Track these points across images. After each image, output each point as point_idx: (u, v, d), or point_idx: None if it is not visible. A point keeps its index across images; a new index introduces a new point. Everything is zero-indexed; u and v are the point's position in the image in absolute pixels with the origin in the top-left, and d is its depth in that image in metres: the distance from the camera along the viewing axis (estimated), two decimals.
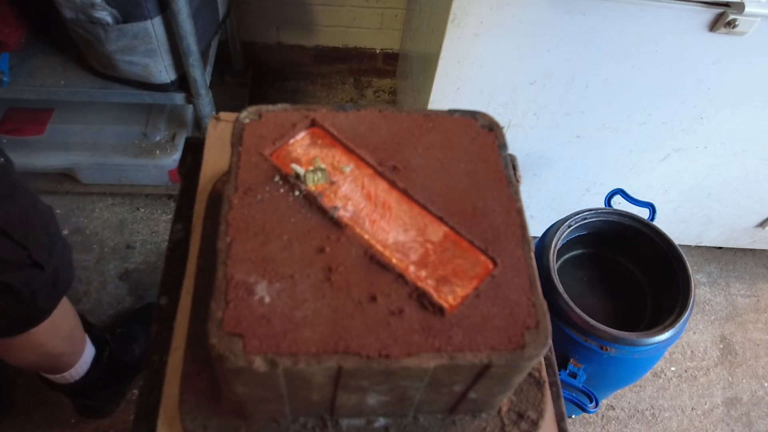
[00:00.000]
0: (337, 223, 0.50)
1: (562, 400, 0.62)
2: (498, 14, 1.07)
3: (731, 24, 1.05)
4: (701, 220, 1.70)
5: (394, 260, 0.49)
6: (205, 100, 1.45)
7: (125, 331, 1.42)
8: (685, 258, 1.17)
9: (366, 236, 0.50)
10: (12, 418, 1.37)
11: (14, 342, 1.00)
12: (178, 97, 1.44)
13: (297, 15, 1.93)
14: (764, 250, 1.94)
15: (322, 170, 0.53)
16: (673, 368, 1.69)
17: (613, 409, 1.60)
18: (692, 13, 1.06)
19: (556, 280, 1.12)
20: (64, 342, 1.12)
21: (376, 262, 0.48)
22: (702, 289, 1.86)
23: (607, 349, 1.08)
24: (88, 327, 1.24)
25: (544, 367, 0.60)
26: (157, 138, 1.62)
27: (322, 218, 0.50)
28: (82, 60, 1.41)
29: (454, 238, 0.51)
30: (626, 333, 1.07)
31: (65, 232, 1.66)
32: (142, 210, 1.74)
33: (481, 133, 0.58)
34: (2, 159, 0.85)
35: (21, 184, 0.89)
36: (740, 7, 1.02)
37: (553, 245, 1.17)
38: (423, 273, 0.49)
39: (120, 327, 1.44)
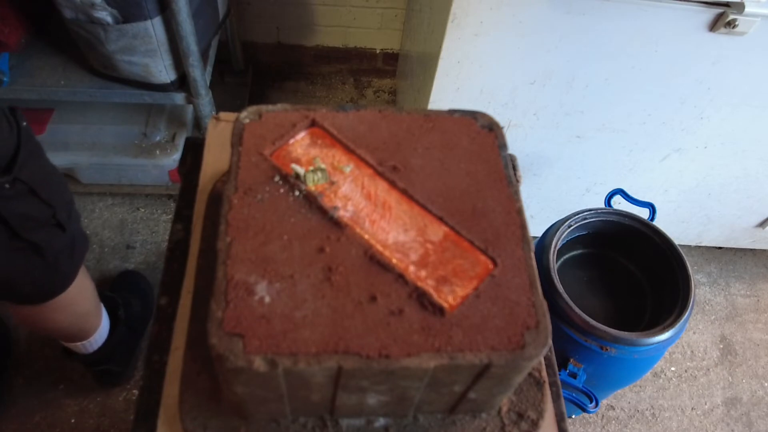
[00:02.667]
0: (337, 223, 0.50)
1: (562, 400, 0.62)
2: (498, 14, 1.08)
3: (731, 24, 1.05)
4: (701, 220, 1.70)
5: (394, 260, 0.49)
6: (205, 100, 1.45)
7: (116, 295, 1.44)
8: (685, 258, 1.17)
9: (366, 236, 0.50)
10: (12, 418, 1.37)
11: (49, 305, 1.02)
12: (178, 97, 1.44)
13: (297, 15, 1.93)
14: (764, 250, 1.94)
15: (322, 170, 0.53)
16: (673, 368, 1.69)
17: (613, 409, 1.60)
18: (692, 13, 1.06)
19: (556, 280, 1.12)
20: (89, 300, 1.16)
21: (376, 262, 0.48)
22: (702, 289, 1.86)
23: (607, 349, 1.08)
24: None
25: (544, 367, 0.60)
26: (157, 138, 1.62)
27: (322, 218, 0.50)
28: (82, 60, 1.41)
29: (454, 238, 0.51)
30: (626, 333, 1.07)
31: None
32: (142, 210, 1.74)
33: (481, 133, 0.58)
34: (24, 123, 0.88)
35: (41, 147, 0.92)
36: (740, 7, 1.02)
37: (553, 245, 1.17)
38: (423, 273, 0.49)
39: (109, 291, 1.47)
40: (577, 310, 1.08)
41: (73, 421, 1.39)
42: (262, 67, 2.09)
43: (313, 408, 0.52)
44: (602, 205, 1.30)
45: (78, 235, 1.02)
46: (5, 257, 0.89)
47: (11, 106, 0.86)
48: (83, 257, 1.04)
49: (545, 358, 0.63)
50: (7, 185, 0.83)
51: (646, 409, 1.61)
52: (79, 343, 1.23)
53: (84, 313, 1.16)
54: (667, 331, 1.08)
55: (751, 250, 1.94)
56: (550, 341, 0.46)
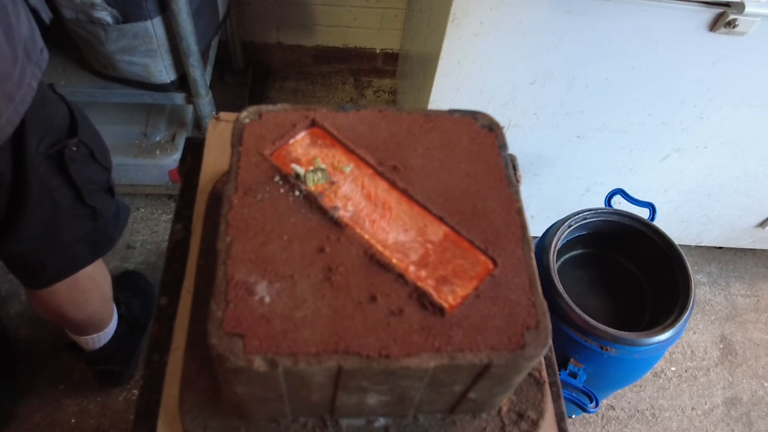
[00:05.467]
0: (337, 223, 0.50)
1: (562, 400, 0.62)
2: (498, 14, 1.08)
3: (731, 24, 1.05)
4: (701, 220, 1.70)
5: (394, 260, 0.49)
6: (205, 100, 1.45)
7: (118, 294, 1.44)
8: (685, 258, 1.17)
9: (366, 236, 0.50)
10: (13, 418, 1.37)
11: (80, 284, 1.04)
12: (178, 97, 1.44)
13: (297, 15, 1.93)
14: (764, 250, 1.94)
15: (322, 170, 0.53)
16: (673, 368, 1.69)
17: (613, 409, 1.60)
18: (692, 13, 1.06)
19: (556, 280, 1.12)
20: (110, 287, 1.18)
21: (376, 262, 0.48)
22: (702, 289, 1.86)
23: (607, 349, 1.08)
24: None
25: (544, 367, 0.60)
26: (157, 138, 1.62)
27: (322, 218, 0.50)
28: (82, 60, 1.41)
29: (454, 238, 0.51)
30: (626, 333, 1.07)
31: None
32: (142, 210, 1.74)
33: (481, 133, 0.58)
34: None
35: (85, 113, 0.94)
36: (740, 7, 1.02)
37: (553, 245, 1.17)
38: (423, 273, 0.49)
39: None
40: (577, 310, 1.08)
41: (73, 421, 1.39)
42: (262, 67, 2.09)
43: (313, 408, 0.52)
44: (602, 205, 1.29)
45: (120, 200, 1.04)
46: (68, 224, 0.91)
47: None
48: (126, 222, 1.07)
49: (545, 358, 0.63)
50: (74, 147, 0.85)
51: (646, 409, 1.61)
52: (91, 336, 1.23)
53: (107, 299, 1.18)
54: (667, 331, 1.08)
55: (751, 250, 1.94)
56: (550, 341, 0.46)
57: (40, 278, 1.00)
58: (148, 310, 1.51)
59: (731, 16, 1.04)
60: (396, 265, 0.48)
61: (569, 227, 1.21)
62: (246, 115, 0.56)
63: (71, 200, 0.89)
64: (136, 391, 1.43)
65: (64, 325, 1.19)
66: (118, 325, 1.31)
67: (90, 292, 1.10)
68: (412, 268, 0.49)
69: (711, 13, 1.06)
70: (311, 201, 0.51)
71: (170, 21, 1.24)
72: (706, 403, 1.63)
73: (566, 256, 1.34)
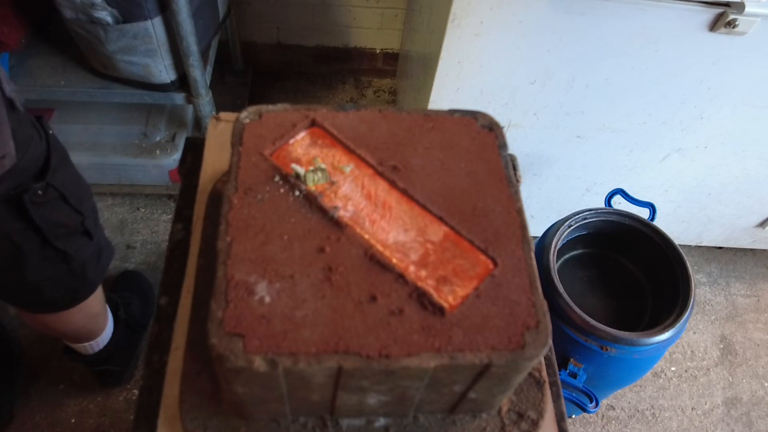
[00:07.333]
0: (337, 223, 0.50)
1: (562, 400, 0.62)
2: (498, 14, 1.08)
3: (731, 24, 1.05)
4: (701, 220, 1.70)
5: (394, 260, 0.49)
6: (205, 100, 1.45)
7: (116, 296, 1.44)
8: (685, 258, 1.17)
9: (366, 236, 0.50)
10: (13, 418, 1.37)
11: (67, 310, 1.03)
12: (178, 97, 1.44)
13: (297, 15, 1.93)
14: (764, 250, 1.94)
15: (322, 170, 0.53)
16: (673, 368, 1.69)
17: (613, 409, 1.60)
18: (692, 13, 1.06)
19: (556, 280, 1.12)
20: (100, 301, 1.17)
21: (376, 262, 0.48)
22: (702, 289, 1.86)
23: (607, 349, 1.08)
24: None
25: (544, 367, 0.60)
26: (157, 138, 1.62)
27: (322, 218, 0.50)
28: (82, 60, 1.41)
29: (454, 238, 0.51)
30: (626, 333, 1.07)
31: None
32: (142, 210, 1.74)
33: (481, 133, 0.58)
34: (51, 131, 0.88)
35: (68, 154, 0.93)
36: (740, 7, 1.02)
37: (553, 245, 1.17)
38: (423, 273, 0.49)
39: (110, 292, 1.46)
40: (577, 310, 1.08)
41: (73, 421, 1.39)
42: (262, 67, 2.09)
43: (313, 408, 0.52)
44: (602, 205, 1.29)
45: (103, 242, 1.02)
46: (35, 266, 0.89)
47: (36, 115, 0.86)
48: (109, 264, 1.05)
49: (545, 358, 0.63)
50: (40, 191, 0.83)
51: (646, 409, 1.60)
52: (83, 344, 1.23)
53: (96, 314, 1.17)
54: (667, 331, 1.08)
55: (751, 250, 1.94)
56: (550, 341, 0.46)
57: (14, 305, 0.99)
58: (148, 310, 1.51)
59: (731, 16, 1.04)
60: (396, 265, 0.48)
61: (569, 227, 1.21)
62: (246, 115, 0.56)
63: (37, 243, 0.87)
64: (136, 391, 1.43)
65: (54, 335, 1.18)
66: (117, 326, 1.31)
67: (73, 315, 1.08)
68: (412, 268, 0.49)
69: (711, 13, 1.06)
70: (311, 201, 0.51)
71: (170, 21, 1.24)
72: (706, 403, 1.63)
73: (566, 256, 1.34)
